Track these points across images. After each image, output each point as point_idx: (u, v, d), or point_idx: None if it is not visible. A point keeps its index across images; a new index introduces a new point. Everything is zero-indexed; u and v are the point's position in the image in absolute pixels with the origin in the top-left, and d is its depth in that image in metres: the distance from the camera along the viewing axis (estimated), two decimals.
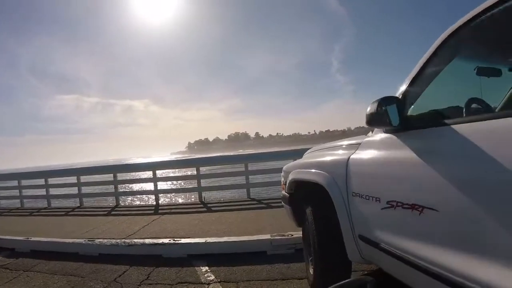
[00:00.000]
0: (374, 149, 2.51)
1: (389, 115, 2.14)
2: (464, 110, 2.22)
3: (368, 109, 2.33)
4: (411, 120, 2.24)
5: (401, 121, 2.15)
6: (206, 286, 4.16)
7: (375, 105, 2.23)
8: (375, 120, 2.29)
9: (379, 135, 2.51)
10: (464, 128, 1.70)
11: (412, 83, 2.29)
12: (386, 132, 2.40)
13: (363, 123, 2.49)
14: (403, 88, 2.31)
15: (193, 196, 13.48)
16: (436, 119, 2.08)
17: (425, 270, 1.74)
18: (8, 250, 6.66)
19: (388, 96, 2.25)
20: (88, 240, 6.24)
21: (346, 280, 2.14)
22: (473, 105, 2.28)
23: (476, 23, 1.85)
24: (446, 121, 1.86)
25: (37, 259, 5.91)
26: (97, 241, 6.19)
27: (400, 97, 2.27)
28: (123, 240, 6.10)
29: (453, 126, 1.77)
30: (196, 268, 4.76)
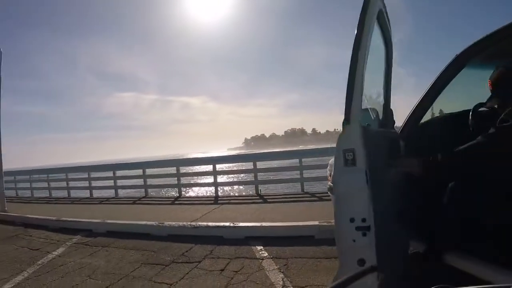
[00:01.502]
0: None
1: None
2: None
3: None
4: None
5: None
6: (260, 260, 4.78)
7: None
8: None
9: None
10: None
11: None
12: None
13: None
14: None
15: (249, 190, 13.93)
16: None
17: None
18: (85, 231, 7.46)
19: None
20: (159, 223, 6.98)
21: (357, 272, 2.52)
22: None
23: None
24: None
25: (113, 238, 6.68)
26: (166, 223, 6.93)
27: None
28: (189, 223, 6.79)
29: None
30: (252, 247, 5.37)
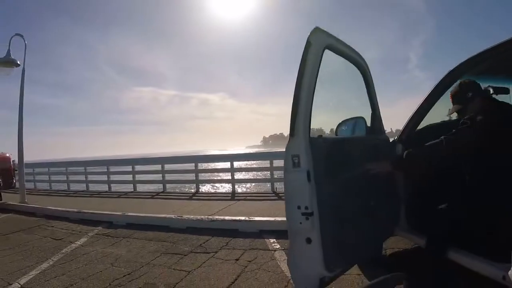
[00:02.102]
0: None
1: None
2: None
3: None
4: None
5: None
6: (272, 252, 5.03)
7: None
8: None
9: None
10: None
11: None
12: None
13: None
14: None
15: (265, 188, 14.06)
16: None
17: None
18: (106, 223, 7.73)
19: None
20: (177, 216, 7.26)
21: (384, 277, 2.81)
22: None
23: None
24: None
25: (133, 230, 6.93)
26: (184, 216, 7.19)
27: None
28: (207, 216, 7.06)
29: None
30: (265, 240, 5.62)
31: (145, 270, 4.65)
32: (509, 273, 2.36)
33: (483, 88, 3.16)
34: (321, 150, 2.76)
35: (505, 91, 3.27)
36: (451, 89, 3.24)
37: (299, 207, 2.58)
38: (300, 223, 2.59)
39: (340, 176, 2.95)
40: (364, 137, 3.70)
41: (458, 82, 3.20)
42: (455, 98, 3.20)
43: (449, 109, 3.23)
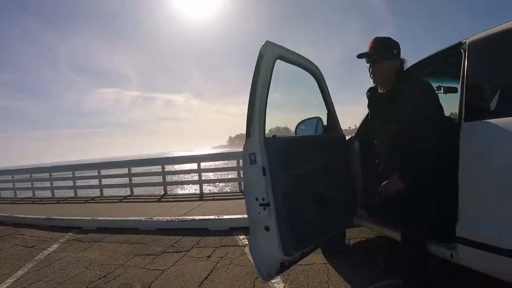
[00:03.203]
0: None
1: None
2: None
3: None
4: None
5: None
6: (243, 247, 5.28)
7: None
8: None
9: None
10: None
11: None
12: None
13: None
14: None
15: (234, 187, 14.20)
16: None
17: None
18: (76, 228, 7.77)
19: None
20: (147, 218, 7.42)
21: (381, 283, 3.04)
22: None
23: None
24: None
25: (104, 234, 7.01)
26: (154, 218, 7.35)
27: None
28: (177, 217, 7.23)
29: None
30: (235, 236, 5.87)
31: (120, 271, 4.79)
32: (455, 251, 2.67)
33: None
34: (275, 148, 3.07)
35: (454, 90, 3.60)
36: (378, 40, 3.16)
37: (257, 199, 2.92)
38: (259, 213, 2.92)
39: (294, 171, 3.28)
40: (319, 135, 4.09)
41: (387, 37, 3.14)
42: (378, 48, 3.07)
43: (368, 53, 3.11)
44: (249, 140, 2.96)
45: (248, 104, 2.95)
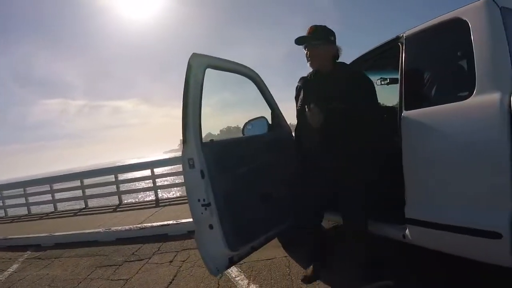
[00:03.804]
0: None
1: None
2: None
3: None
4: None
5: None
6: None
7: None
8: None
9: None
10: None
11: None
12: None
13: None
14: None
15: None
16: None
17: None
18: (34, 246, 7.69)
19: None
20: (105, 229, 7.45)
21: (373, 284, 3.21)
22: None
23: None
24: None
25: (63, 249, 7.01)
26: (113, 228, 7.40)
27: None
28: (135, 225, 7.31)
29: None
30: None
31: (84, 285, 4.87)
32: (405, 232, 2.96)
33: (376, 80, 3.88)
34: (212, 152, 3.33)
35: (396, 81, 3.92)
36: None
37: (198, 200, 3.15)
38: (202, 213, 3.15)
39: (233, 171, 3.55)
40: (259, 135, 4.34)
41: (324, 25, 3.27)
42: (317, 33, 3.20)
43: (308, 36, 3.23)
44: (186, 146, 3.20)
45: (182, 113, 3.17)
